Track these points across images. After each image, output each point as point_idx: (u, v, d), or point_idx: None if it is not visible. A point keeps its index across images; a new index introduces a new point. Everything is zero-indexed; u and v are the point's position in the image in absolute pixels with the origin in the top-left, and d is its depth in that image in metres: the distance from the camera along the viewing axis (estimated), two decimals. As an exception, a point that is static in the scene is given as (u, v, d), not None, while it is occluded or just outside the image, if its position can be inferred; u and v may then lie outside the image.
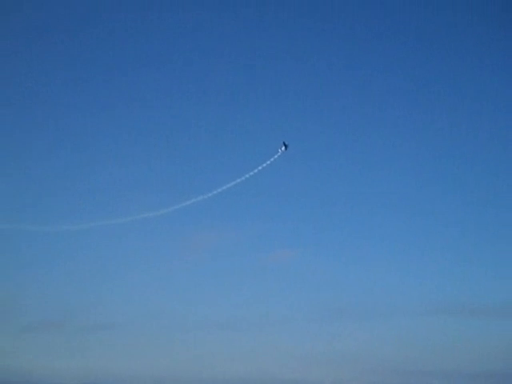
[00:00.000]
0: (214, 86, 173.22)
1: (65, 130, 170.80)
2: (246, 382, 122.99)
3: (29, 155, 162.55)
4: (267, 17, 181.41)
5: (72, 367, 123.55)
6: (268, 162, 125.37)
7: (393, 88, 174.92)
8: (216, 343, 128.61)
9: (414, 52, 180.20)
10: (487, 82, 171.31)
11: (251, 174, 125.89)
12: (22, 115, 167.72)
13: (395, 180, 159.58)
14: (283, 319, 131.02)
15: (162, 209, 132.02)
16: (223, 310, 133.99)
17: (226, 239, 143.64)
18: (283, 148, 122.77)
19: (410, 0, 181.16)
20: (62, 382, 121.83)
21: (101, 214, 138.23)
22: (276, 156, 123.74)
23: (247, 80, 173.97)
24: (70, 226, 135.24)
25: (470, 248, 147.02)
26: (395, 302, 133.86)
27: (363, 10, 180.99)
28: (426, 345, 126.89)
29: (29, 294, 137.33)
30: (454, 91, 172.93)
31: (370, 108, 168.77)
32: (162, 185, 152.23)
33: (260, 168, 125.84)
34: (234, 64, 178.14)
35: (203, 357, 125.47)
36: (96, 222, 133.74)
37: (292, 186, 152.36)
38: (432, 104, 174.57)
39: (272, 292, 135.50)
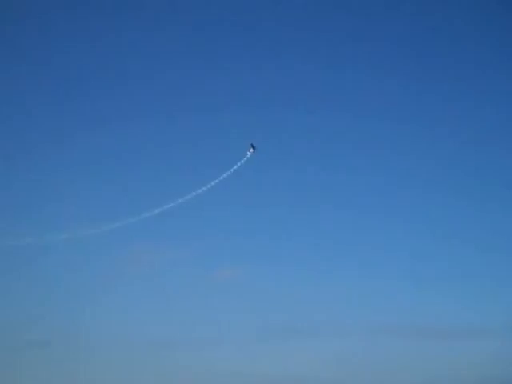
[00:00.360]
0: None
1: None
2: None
3: None
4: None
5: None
6: (222, 177, 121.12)
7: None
8: (158, 363, 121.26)
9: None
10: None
11: (198, 191, 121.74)
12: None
13: (343, 197, 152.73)
14: (228, 339, 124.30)
15: (103, 225, 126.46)
16: (166, 329, 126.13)
17: (170, 256, 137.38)
18: (251, 150, 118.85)
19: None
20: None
21: (36, 229, 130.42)
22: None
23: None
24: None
25: (418, 268, 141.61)
26: (342, 322, 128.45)
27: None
28: (374, 365, 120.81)
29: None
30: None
31: (339, 122, 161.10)
32: (105, 201, 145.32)
33: (212, 184, 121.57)
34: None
35: (142, 377, 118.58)
36: (32, 237, 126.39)
37: (238, 200, 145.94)
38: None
39: (217, 311, 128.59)
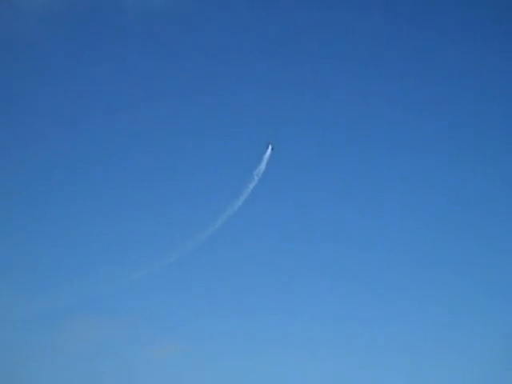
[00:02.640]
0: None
1: None
2: None
3: None
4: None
5: None
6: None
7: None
8: None
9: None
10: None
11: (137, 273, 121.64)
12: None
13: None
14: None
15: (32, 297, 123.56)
16: None
17: (107, 329, 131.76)
18: (270, 148, 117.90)
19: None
20: None
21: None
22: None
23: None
24: None
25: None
26: None
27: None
28: None
29: None
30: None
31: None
32: (35, 268, 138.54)
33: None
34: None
35: None
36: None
37: (184, 276, 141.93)
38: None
39: None
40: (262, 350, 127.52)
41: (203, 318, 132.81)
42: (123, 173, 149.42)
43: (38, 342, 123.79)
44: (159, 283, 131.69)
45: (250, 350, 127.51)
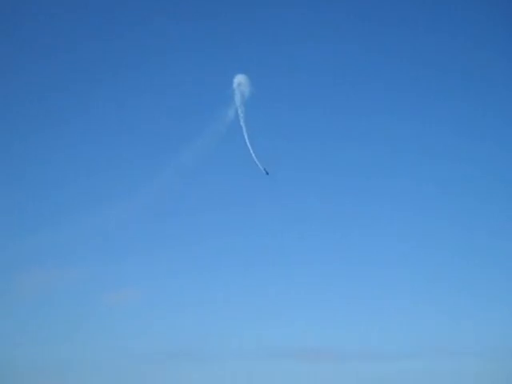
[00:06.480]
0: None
1: None
2: None
3: None
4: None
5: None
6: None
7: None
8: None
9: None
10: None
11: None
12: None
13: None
14: (120, 362, 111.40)
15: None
16: (56, 354, 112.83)
17: (63, 277, 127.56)
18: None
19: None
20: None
21: None
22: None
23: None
24: None
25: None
26: (233, 346, 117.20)
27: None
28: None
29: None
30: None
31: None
32: None
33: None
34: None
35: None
36: None
37: (138, 223, 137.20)
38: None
39: (111, 334, 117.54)
40: (226, 299, 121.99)
41: (164, 264, 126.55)
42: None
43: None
44: (119, 230, 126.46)
45: (213, 299, 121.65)
